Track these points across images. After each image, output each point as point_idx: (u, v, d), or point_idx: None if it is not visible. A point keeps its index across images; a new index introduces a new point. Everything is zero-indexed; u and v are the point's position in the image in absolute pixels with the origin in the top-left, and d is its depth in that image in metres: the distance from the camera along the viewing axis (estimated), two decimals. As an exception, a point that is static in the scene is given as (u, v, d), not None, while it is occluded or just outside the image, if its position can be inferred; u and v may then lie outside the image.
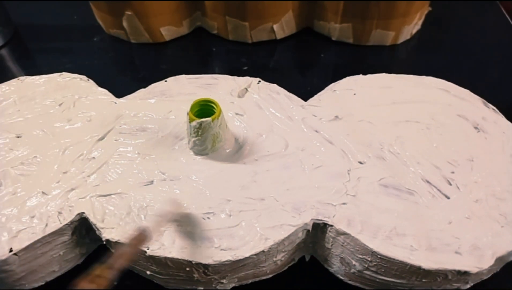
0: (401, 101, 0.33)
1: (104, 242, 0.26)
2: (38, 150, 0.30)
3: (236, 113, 0.32)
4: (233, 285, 0.27)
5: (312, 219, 0.26)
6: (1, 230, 0.26)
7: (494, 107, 0.32)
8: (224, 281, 0.26)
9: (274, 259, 0.26)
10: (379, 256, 0.25)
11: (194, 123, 0.28)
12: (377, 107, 0.33)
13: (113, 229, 0.26)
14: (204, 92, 0.34)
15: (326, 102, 0.33)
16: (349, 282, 0.28)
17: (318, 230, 0.27)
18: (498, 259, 0.25)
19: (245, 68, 0.45)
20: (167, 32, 0.48)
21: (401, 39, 0.47)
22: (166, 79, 0.36)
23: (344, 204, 0.27)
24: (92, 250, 0.30)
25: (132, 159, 0.30)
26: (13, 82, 0.35)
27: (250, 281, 0.28)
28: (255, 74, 0.36)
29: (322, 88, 0.35)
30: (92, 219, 0.26)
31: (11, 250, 0.25)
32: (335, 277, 0.29)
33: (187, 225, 0.26)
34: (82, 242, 0.29)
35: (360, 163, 0.29)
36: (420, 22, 0.48)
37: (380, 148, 0.30)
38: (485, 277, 0.26)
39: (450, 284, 0.26)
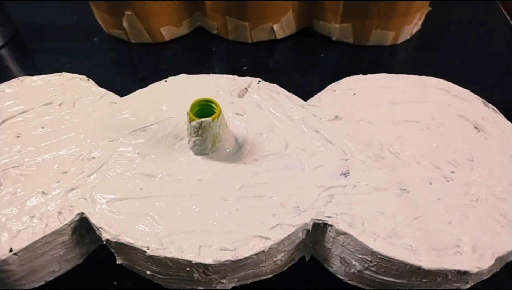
0: (401, 101, 0.33)
1: (104, 242, 0.26)
2: (38, 150, 0.30)
3: (236, 113, 0.32)
4: (233, 285, 0.27)
5: (312, 219, 0.26)
6: (1, 230, 0.26)
7: (494, 107, 0.32)
8: (224, 281, 0.26)
9: (274, 259, 0.26)
10: (379, 256, 0.25)
11: (194, 123, 0.28)
12: (377, 107, 0.33)
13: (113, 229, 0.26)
14: (204, 92, 0.34)
15: (326, 102, 0.33)
16: (349, 282, 0.28)
17: (318, 230, 0.27)
18: (498, 259, 0.25)
19: (245, 68, 0.45)
20: (167, 32, 0.48)
21: (401, 39, 0.47)
22: (166, 79, 0.36)
23: (344, 203, 0.27)
24: (92, 250, 0.30)
25: (132, 159, 0.30)
26: (13, 82, 0.35)
27: (250, 281, 0.28)
28: (255, 74, 0.36)
29: (322, 88, 0.35)
30: (92, 219, 0.26)
31: (11, 250, 0.25)
32: (335, 277, 0.29)
33: None
34: (82, 242, 0.29)
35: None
36: (420, 22, 0.48)
37: (380, 148, 0.30)
38: (485, 277, 0.26)
39: (450, 284, 0.26)
